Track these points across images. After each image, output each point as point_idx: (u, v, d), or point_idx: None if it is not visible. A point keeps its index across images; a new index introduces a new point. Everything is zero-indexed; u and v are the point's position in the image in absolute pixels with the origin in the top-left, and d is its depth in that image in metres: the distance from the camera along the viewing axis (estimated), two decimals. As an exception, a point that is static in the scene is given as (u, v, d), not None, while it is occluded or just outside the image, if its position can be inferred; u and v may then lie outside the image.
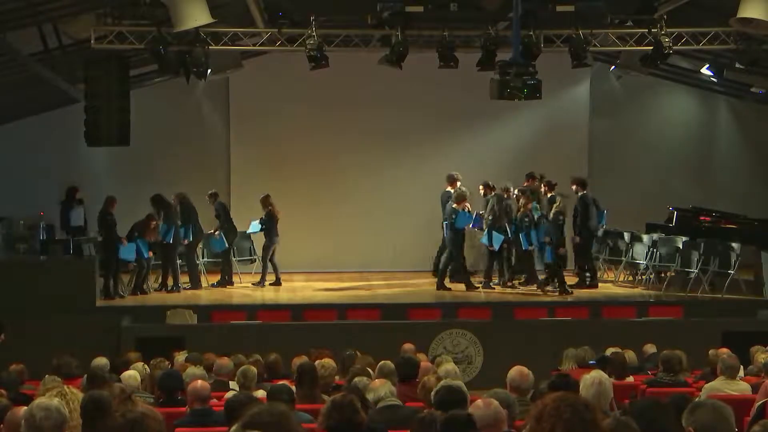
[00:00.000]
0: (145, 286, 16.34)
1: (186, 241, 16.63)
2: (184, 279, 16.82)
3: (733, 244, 16.15)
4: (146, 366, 10.23)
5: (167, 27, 14.23)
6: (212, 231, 17.13)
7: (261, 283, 17.15)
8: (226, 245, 17.05)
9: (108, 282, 15.64)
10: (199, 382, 7.65)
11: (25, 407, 4.88)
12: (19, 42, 13.46)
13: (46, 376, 9.44)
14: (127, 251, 15.75)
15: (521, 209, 16.40)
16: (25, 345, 13.16)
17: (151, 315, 15.01)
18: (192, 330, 14.44)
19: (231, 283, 17.18)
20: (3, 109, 16.95)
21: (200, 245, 17.26)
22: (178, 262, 16.75)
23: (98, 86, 15.04)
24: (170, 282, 16.56)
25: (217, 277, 17.22)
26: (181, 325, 14.59)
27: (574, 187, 16.80)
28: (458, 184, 16.97)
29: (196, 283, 16.79)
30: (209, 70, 15.42)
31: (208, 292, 16.66)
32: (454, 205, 16.31)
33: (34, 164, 18.39)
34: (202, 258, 17.43)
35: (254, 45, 15.81)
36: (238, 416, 6.03)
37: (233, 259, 17.51)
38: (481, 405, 5.37)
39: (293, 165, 18.77)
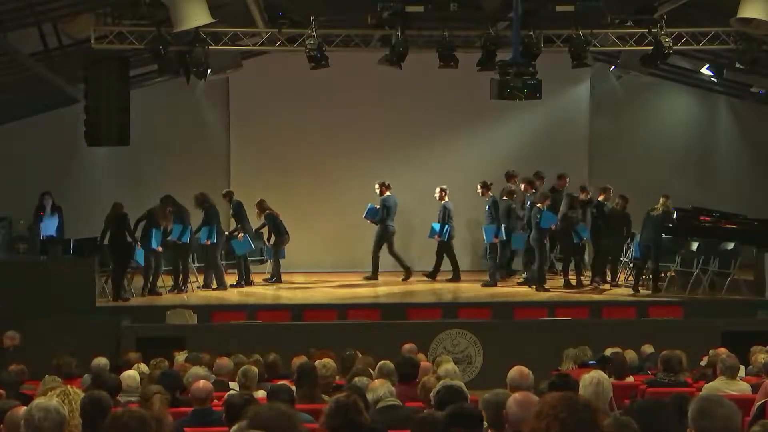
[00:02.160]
0: (157, 288, 16.31)
1: (209, 242, 16.60)
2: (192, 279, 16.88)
3: (733, 244, 16.13)
4: (146, 366, 10.24)
5: (167, 27, 14.23)
6: (232, 232, 17.08)
7: (275, 279, 17.25)
8: (252, 246, 17.04)
9: (120, 283, 15.68)
10: (202, 382, 7.67)
11: (25, 407, 4.88)
12: (19, 42, 13.46)
13: (46, 376, 9.45)
14: (139, 254, 15.80)
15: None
16: (25, 345, 13.18)
17: (151, 315, 15.02)
18: (192, 330, 14.44)
19: (251, 284, 17.13)
20: (3, 109, 16.95)
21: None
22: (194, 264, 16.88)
23: (98, 86, 15.05)
24: (173, 282, 16.57)
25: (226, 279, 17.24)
26: (181, 325, 14.59)
27: (522, 186, 17.14)
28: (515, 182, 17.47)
29: (223, 284, 16.71)
30: (209, 70, 15.42)
31: (207, 292, 16.63)
32: (539, 205, 16.38)
33: (35, 164, 18.40)
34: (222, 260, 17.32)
35: (254, 45, 15.81)
36: (238, 416, 6.05)
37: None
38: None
39: (293, 165, 18.76)
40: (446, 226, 17.36)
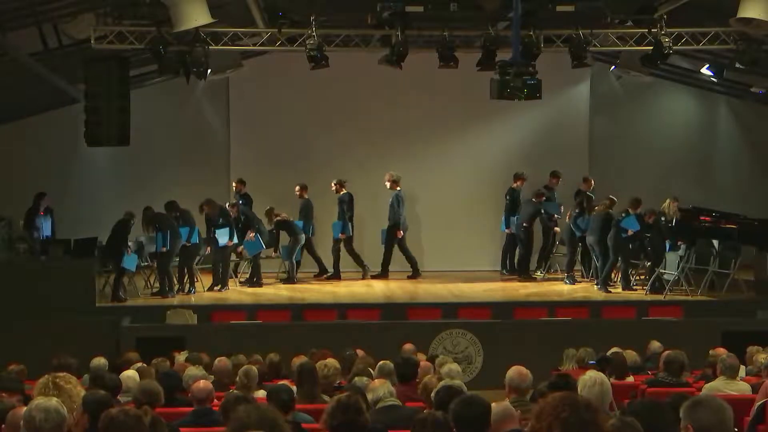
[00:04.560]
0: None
1: (231, 243, 16.66)
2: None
3: (734, 244, 16.13)
4: (146, 366, 10.23)
5: (167, 27, 14.22)
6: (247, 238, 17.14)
7: (290, 281, 17.28)
8: (263, 246, 17.10)
9: (119, 284, 15.70)
10: (202, 382, 7.68)
11: (25, 407, 4.89)
12: (19, 42, 13.46)
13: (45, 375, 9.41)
14: (130, 261, 15.76)
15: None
16: (25, 345, 13.18)
17: (151, 315, 15.02)
18: (192, 330, 14.45)
19: (260, 284, 17.13)
20: (3, 109, 16.95)
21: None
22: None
23: (98, 86, 15.01)
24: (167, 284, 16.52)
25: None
26: (181, 325, 14.60)
27: (388, 184, 17.63)
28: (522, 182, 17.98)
29: (225, 284, 16.75)
30: (209, 70, 15.40)
31: (207, 292, 16.63)
32: (629, 209, 16.39)
33: (34, 164, 18.39)
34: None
35: (254, 45, 15.79)
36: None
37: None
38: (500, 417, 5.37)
39: (293, 165, 18.74)
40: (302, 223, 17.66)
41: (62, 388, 5.23)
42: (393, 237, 17.80)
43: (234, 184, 17.88)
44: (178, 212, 16.38)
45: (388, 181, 17.71)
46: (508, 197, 18.06)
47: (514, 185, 18.10)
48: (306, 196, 17.86)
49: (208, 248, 16.95)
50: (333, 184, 17.77)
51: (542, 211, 17.76)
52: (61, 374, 5.51)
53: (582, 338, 12.65)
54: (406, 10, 14.33)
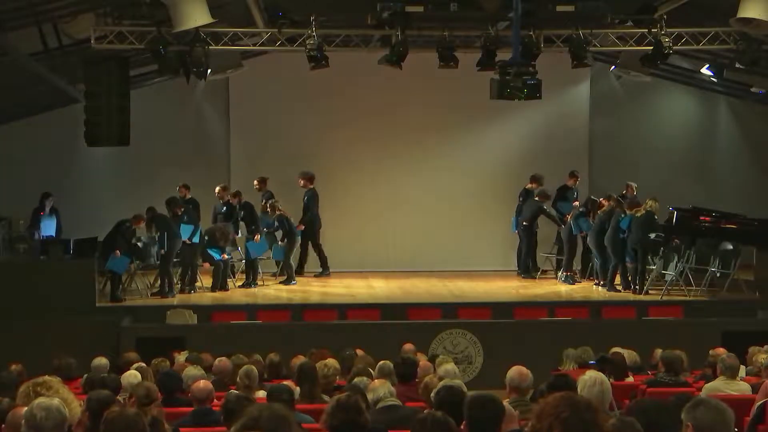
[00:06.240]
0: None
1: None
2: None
3: (733, 244, 16.12)
4: (146, 366, 10.22)
5: (167, 27, 14.23)
6: (247, 233, 17.17)
7: (289, 281, 17.25)
8: (268, 248, 17.08)
9: (117, 283, 15.71)
10: (202, 382, 7.68)
11: (26, 407, 4.90)
12: (19, 42, 13.46)
13: (46, 376, 9.40)
14: (117, 263, 15.65)
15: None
16: (25, 345, 13.19)
17: (151, 315, 15.02)
18: (192, 330, 14.46)
19: (256, 285, 17.12)
20: (3, 109, 16.95)
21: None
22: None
23: (98, 86, 15.03)
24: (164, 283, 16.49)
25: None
26: (181, 325, 14.60)
27: (302, 182, 17.70)
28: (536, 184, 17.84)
29: (225, 285, 16.76)
30: (209, 70, 15.41)
31: (207, 292, 16.63)
32: (627, 211, 16.37)
33: (35, 164, 18.40)
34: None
35: (254, 45, 15.80)
36: (235, 416, 6.05)
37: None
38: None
39: (293, 165, 18.73)
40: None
41: (43, 395, 5.24)
42: (310, 235, 17.79)
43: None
44: (182, 209, 16.36)
45: (302, 179, 17.72)
46: (521, 198, 18.01)
47: (528, 186, 18.02)
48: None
49: (205, 263, 16.96)
50: (255, 182, 17.70)
51: (546, 210, 17.69)
52: (39, 380, 5.53)
53: (582, 338, 12.65)
54: (406, 10, 14.34)
